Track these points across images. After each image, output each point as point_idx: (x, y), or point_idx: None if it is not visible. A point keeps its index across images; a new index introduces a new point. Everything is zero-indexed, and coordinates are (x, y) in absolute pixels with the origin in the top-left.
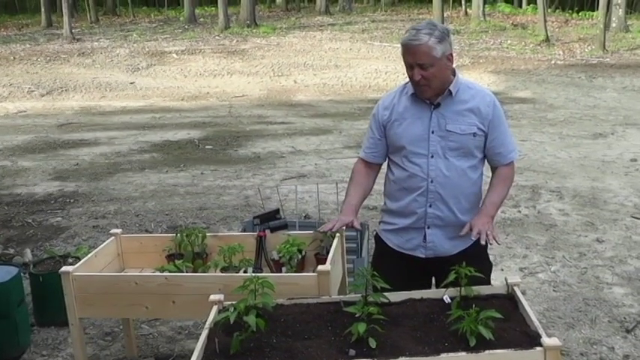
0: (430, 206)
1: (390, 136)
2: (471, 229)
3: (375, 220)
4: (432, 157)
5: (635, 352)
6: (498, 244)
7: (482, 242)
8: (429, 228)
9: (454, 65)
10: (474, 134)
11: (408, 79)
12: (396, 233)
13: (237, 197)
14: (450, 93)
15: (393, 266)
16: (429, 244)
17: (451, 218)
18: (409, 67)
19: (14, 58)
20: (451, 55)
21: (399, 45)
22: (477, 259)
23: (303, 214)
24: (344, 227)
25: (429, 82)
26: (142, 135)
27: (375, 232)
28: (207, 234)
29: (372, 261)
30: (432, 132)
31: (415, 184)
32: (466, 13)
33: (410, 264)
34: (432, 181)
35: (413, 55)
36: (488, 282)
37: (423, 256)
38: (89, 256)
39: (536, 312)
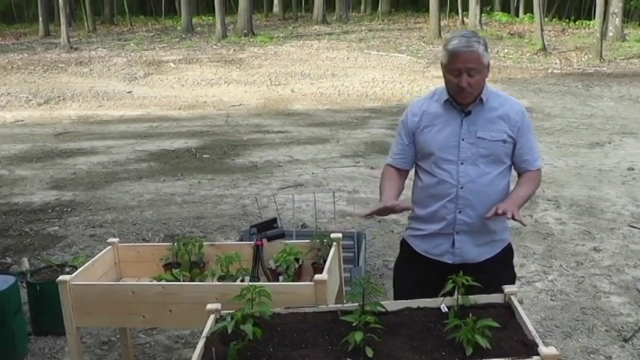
0: (459, 212)
1: (419, 143)
2: (496, 212)
3: (371, 229)
4: (462, 163)
5: None
6: (524, 225)
7: (508, 217)
8: (457, 234)
9: None
10: (504, 141)
11: (439, 87)
12: (423, 239)
13: (235, 206)
14: (482, 100)
15: (418, 271)
16: (456, 250)
17: (479, 225)
18: (456, 74)
19: (12, 67)
20: (489, 63)
21: (446, 52)
22: (503, 266)
23: (300, 224)
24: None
25: (474, 89)
26: (139, 144)
27: (401, 237)
28: (205, 243)
29: (396, 265)
30: (463, 139)
31: (444, 191)
32: (463, 21)
33: (435, 269)
34: (462, 188)
35: (465, 62)
36: None
37: (451, 262)
38: (86, 265)
39: (534, 321)
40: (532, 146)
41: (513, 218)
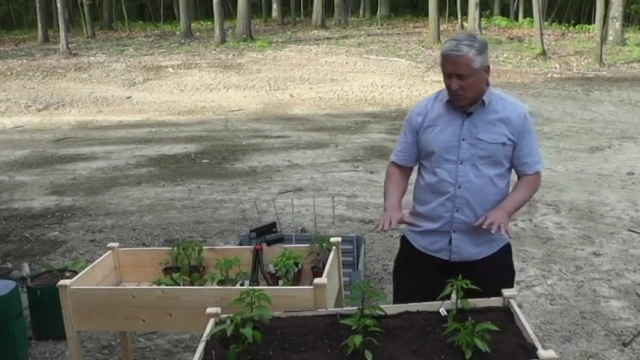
0: (457, 211)
1: (422, 141)
2: (483, 224)
3: (371, 234)
4: (462, 163)
5: None
6: (510, 237)
7: (493, 232)
8: (454, 232)
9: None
10: (504, 144)
11: (443, 87)
12: (422, 235)
13: (234, 211)
14: (483, 103)
15: (418, 267)
16: (454, 247)
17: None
18: (447, 76)
19: (11, 73)
20: (488, 67)
21: (440, 54)
22: (503, 265)
23: (300, 228)
24: (396, 225)
25: (466, 92)
26: (139, 149)
27: (402, 234)
28: (204, 247)
29: (396, 262)
30: (463, 139)
31: (443, 189)
32: (462, 26)
33: (434, 266)
34: (459, 187)
35: (453, 66)
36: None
37: (447, 258)
38: (86, 269)
39: (533, 325)
40: (532, 150)
41: (499, 230)
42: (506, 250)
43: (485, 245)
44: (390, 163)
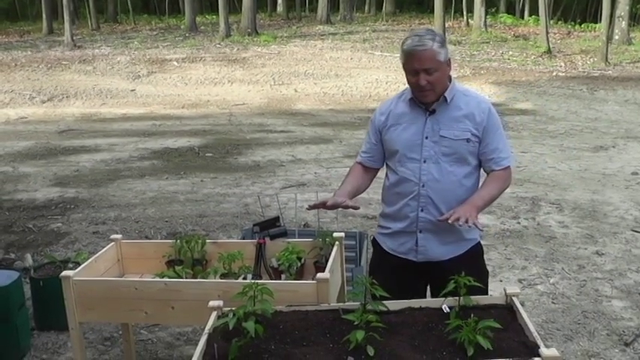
0: (422, 210)
1: (386, 141)
2: (449, 218)
3: (374, 229)
4: (425, 162)
5: None
6: (480, 229)
7: (459, 224)
8: (420, 232)
9: (454, 75)
10: (468, 140)
11: (408, 87)
12: (390, 237)
13: (237, 205)
14: (445, 99)
15: (389, 269)
16: (420, 248)
17: (443, 223)
18: (413, 73)
19: (15, 64)
20: (450, 60)
21: (402, 52)
22: (472, 265)
23: (303, 223)
24: (336, 209)
25: (434, 87)
26: (142, 142)
27: (372, 237)
28: (207, 241)
29: (370, 264)
30: (426, 137)
31: (407, 189)
32: (467, 23)
33: (404, 267)
34: (423, 186)
35: (419, 61)
36: (485, 290)
37: (415, 259)
38: (89, 261)
39: (535, 323)
40: (498, 146)
41: (466, 223)
42: (476, 250)
43: (452, 245)
44: (355, 162)
